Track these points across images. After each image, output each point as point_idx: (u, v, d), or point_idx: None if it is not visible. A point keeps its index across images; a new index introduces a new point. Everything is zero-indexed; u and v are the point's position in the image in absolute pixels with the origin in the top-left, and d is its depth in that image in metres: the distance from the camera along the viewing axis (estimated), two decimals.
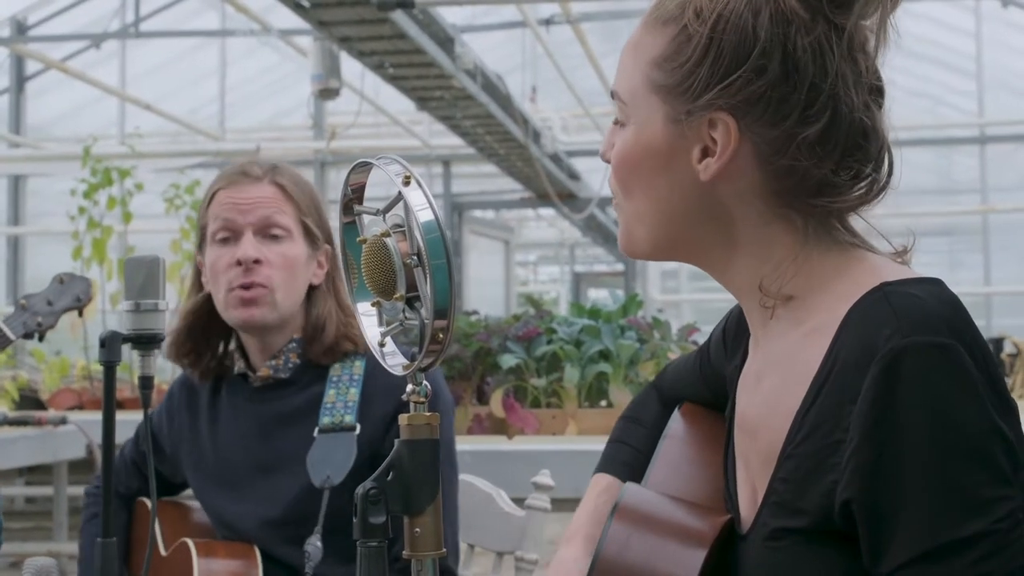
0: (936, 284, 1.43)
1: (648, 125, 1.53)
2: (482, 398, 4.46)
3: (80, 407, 5.88)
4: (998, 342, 7.33)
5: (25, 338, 2.67)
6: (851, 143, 1.48)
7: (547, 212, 17.43)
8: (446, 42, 8.01)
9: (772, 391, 1.52)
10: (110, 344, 1.87)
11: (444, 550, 1.31)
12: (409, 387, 1.31)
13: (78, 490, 6.61)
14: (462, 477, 2.70)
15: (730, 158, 1.48)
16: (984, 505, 1.32)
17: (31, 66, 13.65)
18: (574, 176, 13.43)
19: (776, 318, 1.53)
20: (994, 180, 14.65)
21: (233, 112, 14.43)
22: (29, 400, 6.04)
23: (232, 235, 2.58)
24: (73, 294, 2.69)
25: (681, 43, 1.50)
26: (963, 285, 14.65)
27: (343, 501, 2.42)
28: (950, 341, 1.34)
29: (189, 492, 2.79)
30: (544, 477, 2.66)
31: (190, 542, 2.54)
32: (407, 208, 1.26)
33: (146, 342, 1.91)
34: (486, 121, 10.01)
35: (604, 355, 4.38)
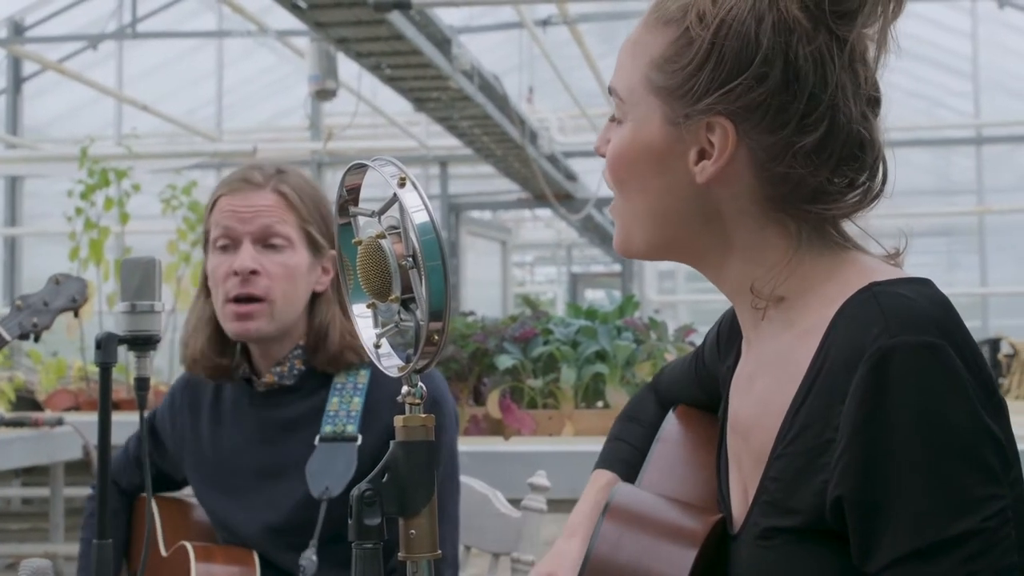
0: (926, 284, 1.44)
1: (645, 124, 1.53)
2: (479, 399, 4.46)
3: (76, 408, 5.87)
4: (995, 343, 7.33)
5: (21, 339, 2.67)
6: (847, 153, 1.48)
7: (544, 213, 17.45)
8: (443, 43, 8.02)
9: (764, 392, 1.53)
10: (106, 345, 1.87)
11: (439, 552, 1.31)
12: (404, 389, 1.31)
13: (74, 491, 6.63)
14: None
15: (727, 162, 1.49)
16: (973, 504, 1.32)
17: (28, 67, 13.65)
18: (571, 177, 13.43)
19: (768, 319, 1.54)
20: (990, 181, 14.66)
21: (230, 113, 14.43)
22: (25, 401, 6.03)
23: (232, 243, 2.56)
24: (69, 295, 2.69)
25: (682, 46, 1.50)
26: (960, 286, 14.68)
27: (343, 511, 2.42)
28: (939, 341, 1.35)
29: (191, 489, 2.79)
30: (540, 478, 2.66)
31: (189, 546, 2.54)
32: (402, 210, 1.26)
33: (142, 343, 1.91)
34: (483, 122, 10.01)
35: (600, 356, 4.38)
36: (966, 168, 15.10)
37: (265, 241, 2.55)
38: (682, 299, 17.02)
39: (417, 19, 7.38)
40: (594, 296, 19.94)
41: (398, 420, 1.30)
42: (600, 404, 4.46)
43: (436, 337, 1.26)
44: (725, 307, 1.77)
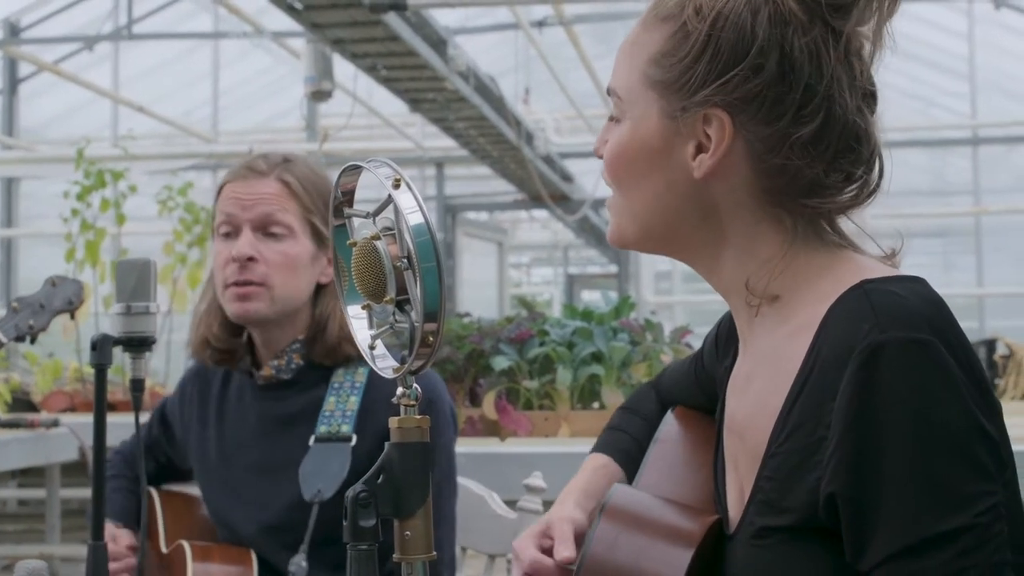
0: (918, 282, 1.44)
1: (644, 120, 1.55)
2: (475, 400, 4.46)
3: (72, 409, 5.87)
4: (991, 343, 7.33)
5: (17, 340, 2.66)
6: (843, 145, 1.49)
7: (540, 214, 17.44)
8: (439, 44, 8.01)
9: (758, 391, 1.53)
10: (101, 347, 1.87)
11: (435, 554, 1.31)
12: (399, 390, 1.31)
13: (70, 492, 6.63)
14: None
15: (724, 154, 1.50)
16: (965, 500, 1.33)
17: (24, 68, 13.62)
18: (567, 178, 13.43)
19: (762, 317, 1.54)
20: (987, 182, 14.68)
21: (226, 114, 14.43)
22: (21, 402, 6.03)
23: (233, 230, 2.57)
24: (65, 297, 2.68)
25: (679, 40, 1.52)
26: (956, 287, 14.69)
27: (335, 513, 2.42)
28: (929, 337, 1.35)
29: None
30: (536, 479, 2.66)
31: (186, 545, 2.54)
32: (397, 211, 1.26)
33: (137, 345, 1.91)
34: (479, 123, 10.01)
35: (596, 357, 4.38)
36: (962, 169, 15.11)
37: (265, 229, 2.55)
38: (678, 300, 17.00)
39: (413, 20, 7.38)
40: (590, 297, 19.92)
41: (393, 422, 1.30)
42: (596, 405, 4.46)
43: (431, 338, 1.26)
44: (722, 309, 1.77)
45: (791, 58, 1.47)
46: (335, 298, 2.60)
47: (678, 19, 1.53)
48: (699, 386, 1.86)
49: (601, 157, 1.61)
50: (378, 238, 1.30)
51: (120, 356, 1.92)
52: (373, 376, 2.55)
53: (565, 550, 1.71)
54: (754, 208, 1.53)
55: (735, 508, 1.59)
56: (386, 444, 1.30)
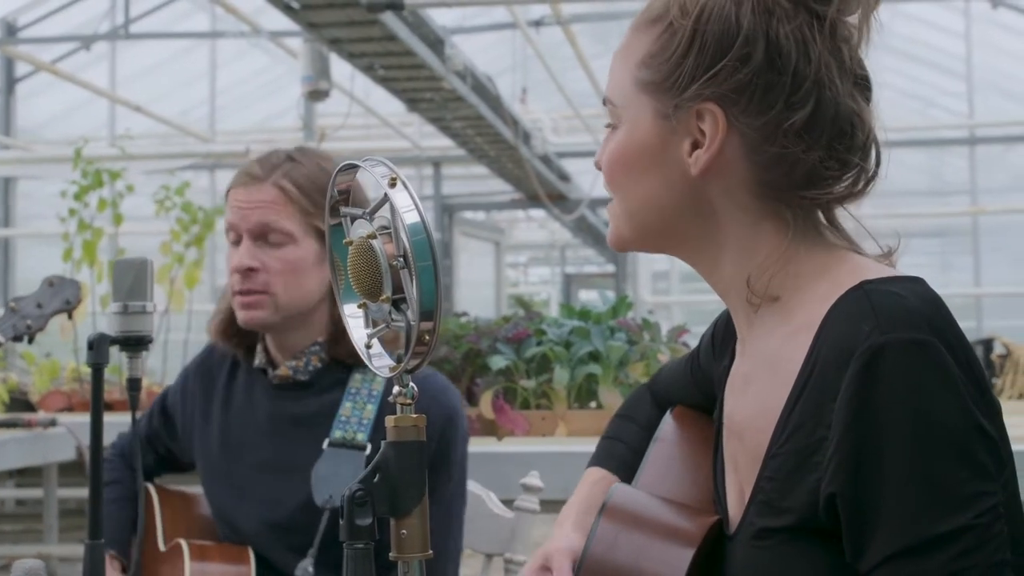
0: (917, 282, 1.44)
1: (638, 123, 1.55)
2: (472, 400, 4.46)
3: (70, 409, 5.87)
4: (988, 343, 7.34)
5: (15, 341, 2.66)
6: (837, 130, 1.50)
7: (538, 213, 17.45)
8: (436, 44, 8.02)
9: (758, 392, 1.53)
10: (98, 346, 1.87)
11: (431, 552, 1.31)
12: (396, 389, 1.31)
13: (68, 492, 6.62)
14: None
15: (719, 149, 1.50)
16: (965, 501, 1.33)
17: (21, 68, 13.62)
18: (564, 177, 13.43)
19: (761, 317, 1.54)
20: (984, 182, 14.69)
21: (224, 114, 14.44)
22: (19, 402, 6.03)
23: (237, 238, 2.56)
24: (63, 297, 2.68)
25: (667, 39, 1.53)
26: (953, 286, 14.70)
27: None
28: (930, 338, 1.35)
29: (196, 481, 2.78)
30: (533, 479, 2.66)
31: (184, 543, 2.54)
32: (393, 210, 1.26)
33: (134, 344, 1.91)
34: (476, 122, 10.01)
35: (594, 356, 4.37)
36: (960, 169, 15.12)
37: (264, 237, 2.53)
38: (676, 300, 17.01)
39: (410, 20, 7.38)
40: (588, 297, 19.92)
41: (389, 420, 1.31)
42: (593, 405, 4.46)
43: (427, 337, 1.26)
44: (719, 308, 1.77)
45: (778, 45, 1.48)
46: None
47: (664, 19, 1.54)
48: (695, 385, 1.86)
49: (600, 168, 1.61)
50: (374, 237, 1.30)
51: (117, 355, 1.92)
52: (391, 384, 2.54)
53: None
54: (752, 204, 1.53)
55: (735, 508, 1.59)
56: (382, 443, 1.30)
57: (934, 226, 15.51)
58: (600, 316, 4.52)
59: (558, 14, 9.26)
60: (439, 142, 12.45)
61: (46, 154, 12.10)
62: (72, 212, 6.32)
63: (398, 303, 1.30)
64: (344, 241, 1.33)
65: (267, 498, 2.57)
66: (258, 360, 2.65)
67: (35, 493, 7.04)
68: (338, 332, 2.57)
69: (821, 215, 1.56)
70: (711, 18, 1.50)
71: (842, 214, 1.57)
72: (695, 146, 1.52)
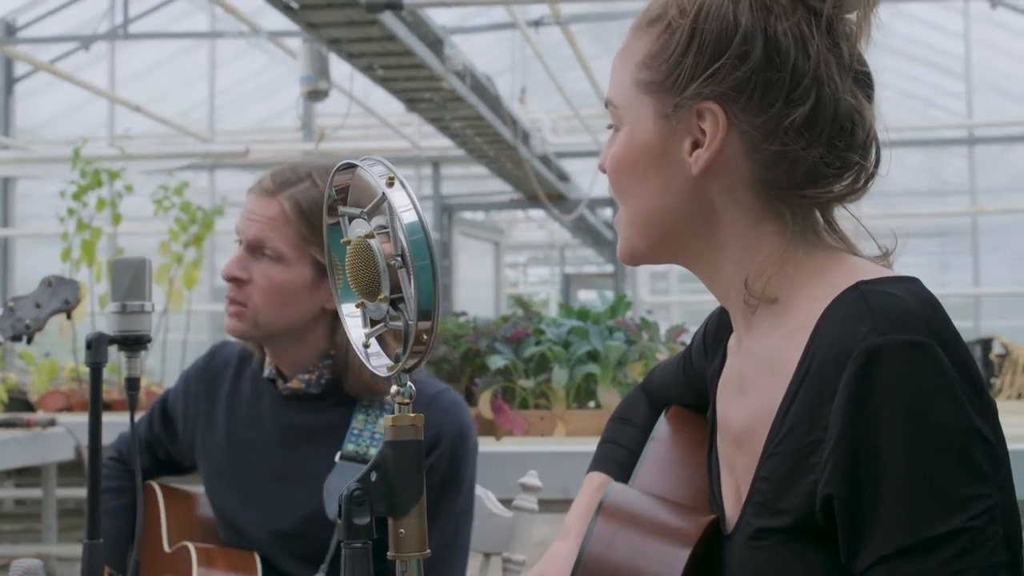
0: (914, 283, 1.44)
1: (639, 124, 1.56)
2: (470, 399, 4.46)
3: (69, 409, 5.87)
4: (987, 343, 7.33)
5: (14, 340, 2.66)
6: (837, 127, 1.50)
7: (537, 213, 17.45)
8: (435, 44, 8.01)
9: (754, 393, 1.54)
10: (96, 346, 1.87)
11: (428, 551, 1.31)
12: (393, 388, 1.31)
13: (67, 492, 6.63)
14: None
15: (719, 148, 1.50)
16: (960, 502, 1.33)
17: (20, 68, 13.63)
18: (564, 177, 13.43)
19: (759, 319, 1.54)
20: (983, 182, 14.69)
21: (223, 114, 14.44)
22: (18, 402, 6.03)
23: (241, 242, 2.55)
24: (62, 297, 2.68)
25: (666, 39, 1.54)
26: (952, 286, 14.71)
27: None
28: (927, 339, 1.35)
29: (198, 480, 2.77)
30: (531, 478, 2.66)
31: (191, 547, 2.53)
32: (391, 209, 1.26)
33: (133, 344, 1.91)
34: (476, 122, 10.01)
35: (592, 356, 4.38)
36: (959, 168, 15.11)
37: (259, 250, 2.51)
38: (674, 300, 17.02)
39: (409, 20, 7.38)
40: (587, 296, 19.92)
41: (387, 420, 1.31)
42: (592, 404, 4.46)
43: (425, 337, 1.26)
44: (715, 308, 1.77)
45: (776, 42, 1.48)
46: None
47: (663, 20, 1.55)
48: (688, 385, 1.86)
49: (605, 172, 1.61)
50: (372, 236, 1.30)
51: (116, 355, 1.92)
52: None
53: None
54: (753, 204, 1.53)
55: (731, 508, 1.59)
56: (381, 442, 1.31)
57: (933, 226, 15.51)
58: (599, 316, 4.53)
59: (557, 14, 9.26)
60: (438, 142, 12.45)
61: (45, 154, 12.10)
62: (71, 212, 6.33)
63: (396, 302, 1.30)
64: (342, 240, 1.33)
65: (274, 506, 2.56)
66: (268, 371, 2.62)
67: (34, 493, 7.05)
68: (345, 364, 2.52)
69: (819, 216, 1.56)
70: (709, 17, 1.50)
71: (841, 214, 1.58)
72: (696, 145, 1.52)
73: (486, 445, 4.15)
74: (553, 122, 13.61)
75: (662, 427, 1.84)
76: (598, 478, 1.91)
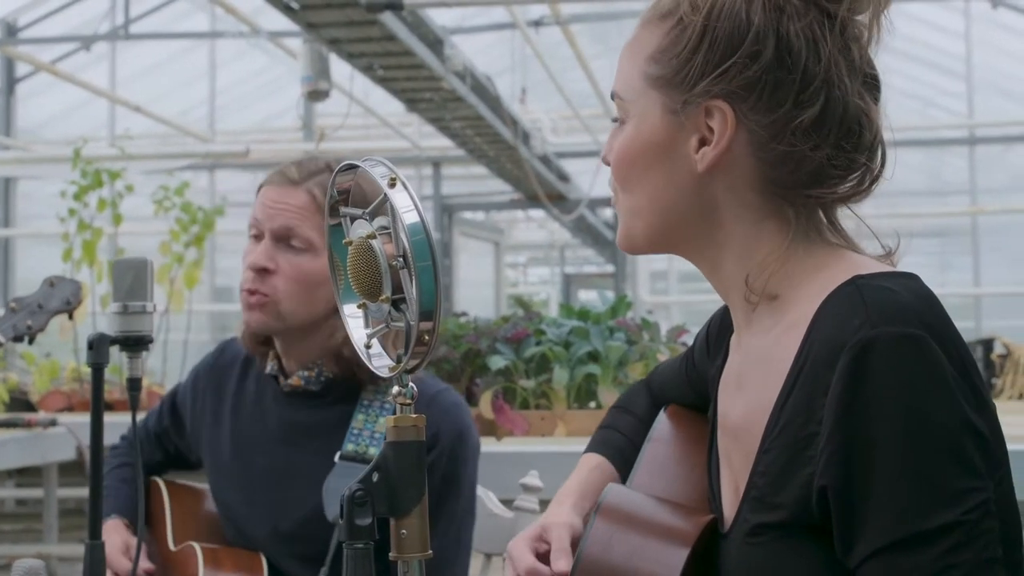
0: (911, 278, 1.45)
1: (646, 118, 1.56)
2: (471, 400, 4.46)
3: (70, 409, 5.88)
4: (988, 343, 7.34)
5: (15, 341, 2.66)
6: (845, 129, 1.50)
7: (537, 214, 17.43)
8: (435, 44, 8.01)
9: (752, 388, 1.54)
10: (98, 346, 1.88)
11: (430, 552, 1.31)
12: (395, 389, 1.31)
13: (68, 492, 6.63)
14: None
15: (726, 146, 1.51)
16: (954, 496, 1.33)
17: (21, 68, 13.62)
18: (564, 178, 13.42)
19: (759, 316, 1.55)
20: (983, 182, 14.67)
21: (223, 114, 14.43)
22: (19, 402, 6.04)
23: (258, 235, 2.52)
24: (63, 297, 2.68)
25: (677, 34, 1.54)
26: (953, 286, 14.69)
27: None
28: (920, 333, 1.35)
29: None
30: (532, 478, 2.66)
31: (197, 547, 2.52)
32: (392, 210, 1.27)
33: (134, 344, 1.91)
34: (476, 123, 10.01)
35: (593, 356, 4.37)
36: (959, 168, 15.10)
37: (286, 241, 2.50)
38: (675, 300, 17.00)
39: (409, 20, 7.38)
40: (587, 297, 19.91)
41: (389, 420, 1.31)
42: (592, 405, 4.46)
43: (427, 337, 1.27)
44: (718, 308, 1.78)
45: (788, 43, 1.49)
46: None
47: (675, 15, 1.55)
48: (690, 385, 1.86)
49: (608, 164, 1.61)
50: (374, 237, 1.30)
51: (117, 355, 1.92)
52: None
53: (562, 560, 1.71)
54: (756, 202, 1.53)
55: (730, 507, 1.59)
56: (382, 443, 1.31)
57: (933, 226, 15.49)
58: (599, 316, 4.53)
59: (557, 14, 9.26)
60: (438, 142, 12.44)
61: (46, 154, 12.09)
62: (72, 212, 6.33)
63: (398, 303, 1.30)
64: (344, 241, 1.34)
65: (275, 505, 2.56)
66: (270, 367, 2.62)
67: (35, 493, 7.06)
68: (350, 356, 2.52)
69: (822, 215, 1.56)
70: (722, 15, 1.50)
71: (843, 213, 1.58)
72: (702, 143, 1.53)
73: (487, 445, 4.15)
74: (553, 122, 13.60)
75: (661, 426, 1.84)
76: (595, 459, 1.92)
